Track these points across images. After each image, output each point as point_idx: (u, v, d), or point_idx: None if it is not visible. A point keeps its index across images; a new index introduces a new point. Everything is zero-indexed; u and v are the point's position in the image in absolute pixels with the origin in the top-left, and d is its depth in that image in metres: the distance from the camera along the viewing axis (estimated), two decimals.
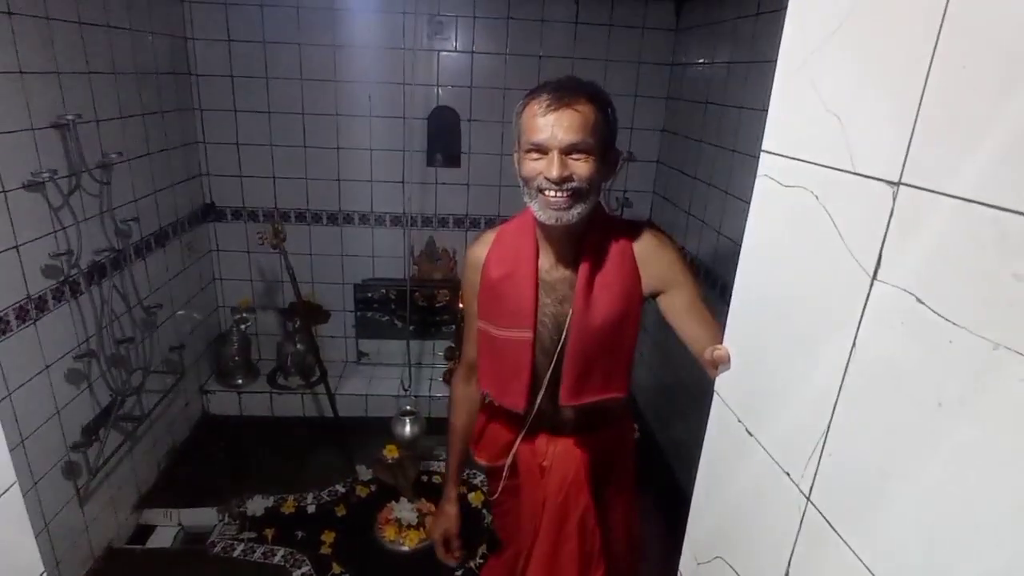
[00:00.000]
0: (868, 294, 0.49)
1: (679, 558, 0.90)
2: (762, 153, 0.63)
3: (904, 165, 0.44)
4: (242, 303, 3.07)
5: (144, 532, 2.36)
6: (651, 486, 1.55)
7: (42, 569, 0.85)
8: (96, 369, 2.04)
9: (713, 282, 2.32)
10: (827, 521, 0.56)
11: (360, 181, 3.01)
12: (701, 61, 2.56)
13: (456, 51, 2.84)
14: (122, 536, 2.29)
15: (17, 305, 1.70)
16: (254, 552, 2.27)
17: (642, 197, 3.10)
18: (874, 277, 0.48)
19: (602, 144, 1.09)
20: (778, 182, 0.61)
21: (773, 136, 0.62)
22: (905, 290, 0.45)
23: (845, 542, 0.54)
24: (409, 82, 2.82)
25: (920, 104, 0.43)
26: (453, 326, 3.22)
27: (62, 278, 1.87)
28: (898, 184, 0.44)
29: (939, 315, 0.42)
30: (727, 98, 2.28)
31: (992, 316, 0.38)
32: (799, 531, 0.61)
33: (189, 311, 2.81)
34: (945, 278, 0.42)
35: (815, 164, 0.55)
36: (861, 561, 0.52)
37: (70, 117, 1.83)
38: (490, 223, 3.11)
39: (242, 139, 2.89)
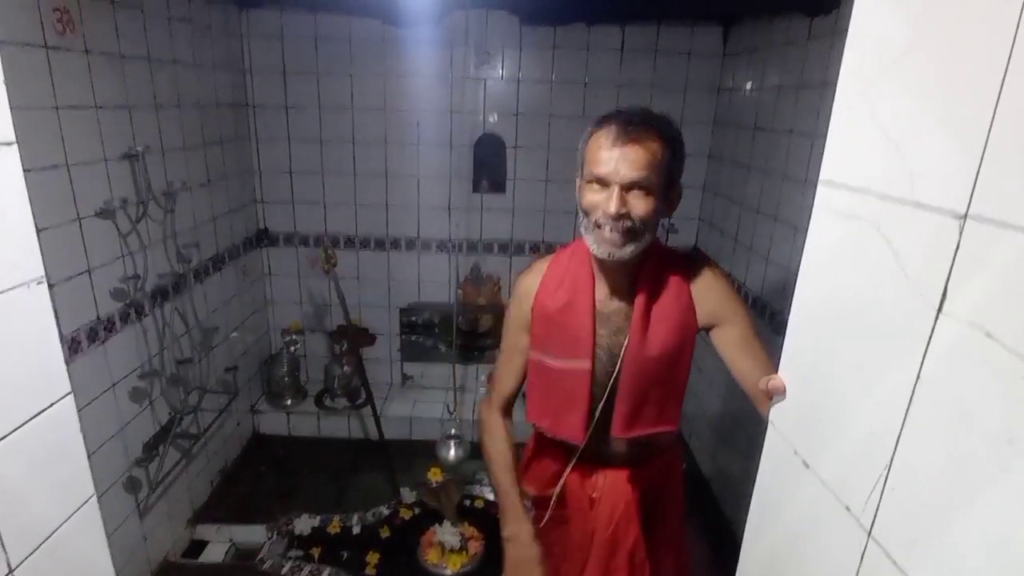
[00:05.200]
0: (933, 327, 0.48)
1: None
2: (820, 183, 0.63)
3: (972, 197, 0.43)
4: (292, 326, 3.17)
5: (197, 547, 2.43)
6: (696, 517, 1.51)
7: None
8: (157, 388, 2.14)
9: (761, 310, 2.28)
10: (889, 557, 0.55)
11: (407, 207, 3.08)
12: (749, 86, 2.55)
13: (503, 79, 2.90)
14: (177, 550, 2.36)
15: (88, 326, 1.79)
16: (302, 570, 2.31)
17: (688, 224, 3.08)
18: (939, 310, 0.47)
19: (665, 182, 1.09)
20: (836, 212, 0.61)
21: (831, 165, 0.62)
22: (973, 324, 0.44)
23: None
24: (456, 110, 2.90)
25: (988, 135, 0.43)
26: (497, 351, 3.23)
27: (128, 300, 1.97)
28: (965, 217, 0.44)
29: (1010, 350, 0.41)
30: (776, 123, 2.26)
31: None
32: (860, 566, 0.60)
33: (242, 333, 2.92)
34: (1016, 312, 0.41)
35: (876, 195, 0.54)
36: None
37: (139, 148, 1.94)
38: (535, 248, 3.14)
39: (295, 167, 3.01)
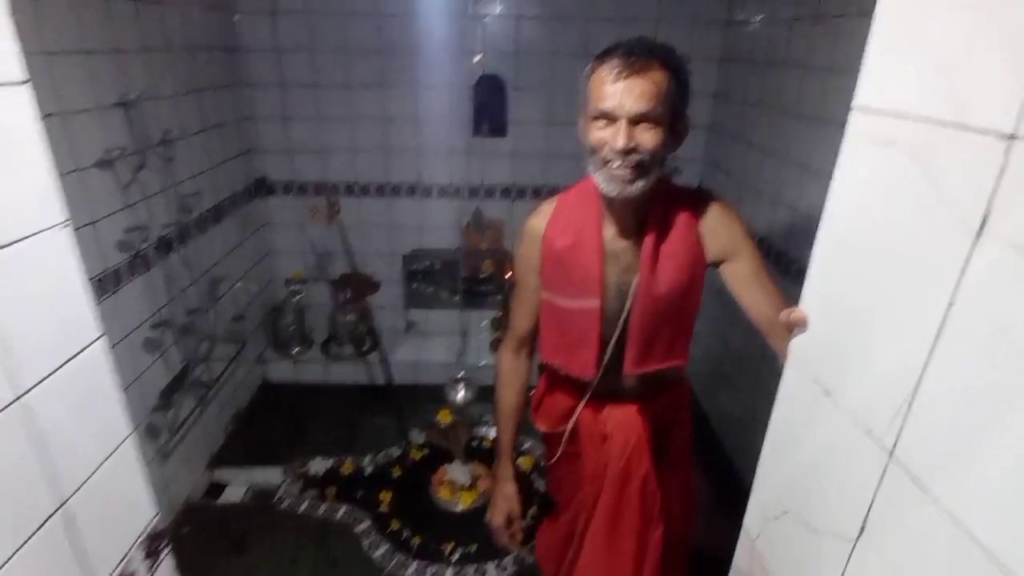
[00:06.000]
0: (971, 251, 0.49)
1: (726, 520, 0.91)
2: (853, 110, 0.62)
3: (1020, 116, 0.43)
4: (295, 275, 3.17)
5: (216, 489, 2.50)
6: (697, 453, 1.56)
7: (155, 511, 0.93)
8: (169, 338, 2.15)
9: (767, 251, 2.28)
10: (911, 476, 0.57)
11: (407, 153, 3.04)
12: (760, 18, 2.47)
13: (501, 15, 2.80)
14: (198, 491, 2.43)
15: (97, 279, 1.79)
16: (318, 509, 2.40)
17: (692, 165, 3.05)
18: (979, 235, 0.48)
19: (672, 114, 1.07)
20: (871, 139, 0.60)
21: (868, 91, 0.61)
22: (1015, 245, 0.45)
23: (930, 494, 0.55)
24: (454, 50, 2.81)
25: None
26: (499, 296, 3.25)
27: (134, 252, 1.97)
28: (1012, 137, 0.44)
29: None
30: (788, 58, 2.20)
31: None
32: (879, 486, 0.62)
33: (247, 283, 2.92)
34: None
35: (916, 119, 0.54)
36: (948, 512, 0.53)
37: (134, 95, 1.89)
38: (537, 193, 3.11)
39: (291, 113, 2.94)
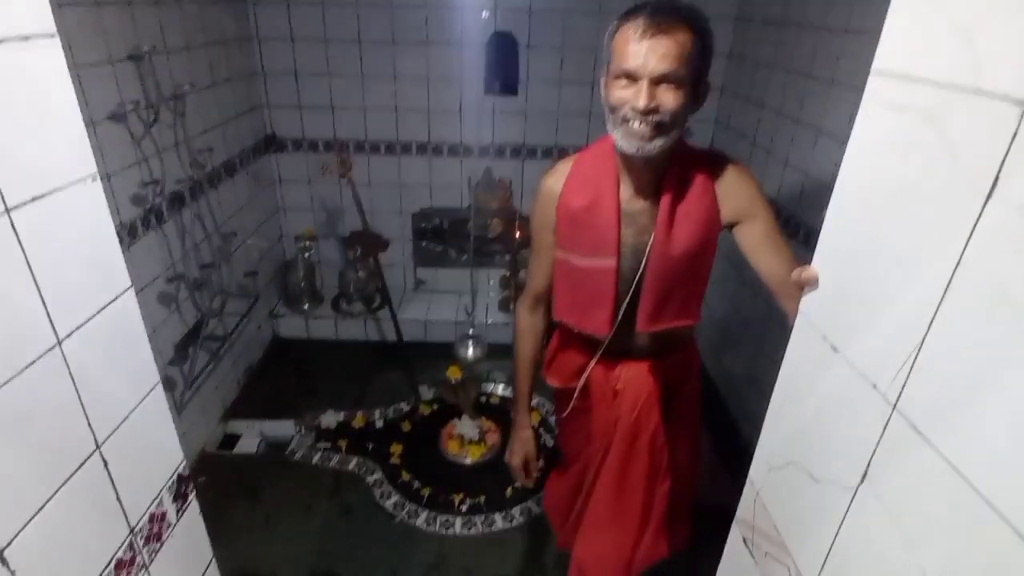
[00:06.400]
0: (980, 213, 0.50)
1: (731, 478, 0.95)
2: (872, 73, 0.63)
3: None
4: (305, 232, 3.19)
5: (231, 440, 2.58)
6: (704, 416, 1.61)
7: (182, 456, 0.98)
8: (183, 292, 2.19)
9: (777, 214, 2.28)
10: (913, 426, 0.60)
11: (417, 110, 3.02)
12: None
13: None
14: (213, 442, 2.51)
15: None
16: (330, 460, 2.47)
17: (703, 127, 3.02)
18: (988, 197, 0.49)
19: (695, 75, 1.07)
20: (888, 102, 0.61)
21: (887, 54, 0.61)
22: (1019, 209, 0.46)
23: (930, 443, 0.58)
24: (467, 6, 2.76)
25: None
26: (507, 256, 3.28)
27: (148, 206, 1.99)
28: None
29: None
30: (804, 19, 2.16)
31: None
32: (881, 436, 0.65)
33: (257, 240, 2.95)
34: None
35: (934, 83, 0.55)
36: (945, 459, 0.56)
37: (146, 48, 1.88)
38: (547, 153, 3.10)
39: (300, 69, 2.92)
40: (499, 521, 2.25)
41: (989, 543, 0.52)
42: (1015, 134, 0.47)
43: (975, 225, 0.51)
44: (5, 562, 0.65)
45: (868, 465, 0.68)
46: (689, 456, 1.50)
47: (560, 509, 1.61)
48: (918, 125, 0.58)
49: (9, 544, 0.65)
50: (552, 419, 2.64)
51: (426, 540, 2.16)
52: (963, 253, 0.53)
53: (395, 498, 2.32)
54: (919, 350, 0.60)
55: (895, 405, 0.63)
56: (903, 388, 0.62)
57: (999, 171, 0.48)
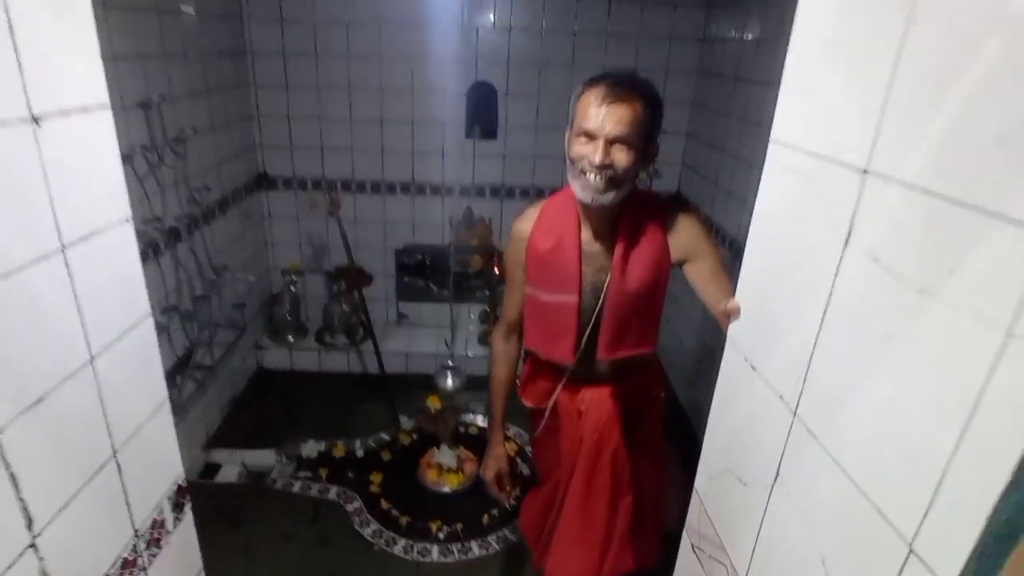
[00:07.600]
0: (841, 257, 0.65)
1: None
2: (771, 141, 0.79)
3: (870, 156, 0.59)
4: (292, 266, 3.30)
5: (212, 469, 2.63)
6: (671, 439, 1.73)
7: (181, 469, 1.08)
8: (175, 323, 2.29)
9: (739, 251, 2.46)
10: (808, 429, 0.74)
11: (402, 152, 3.18)
12: (732, 36, 2.65)
13: (495, 27, 2.96)
14: (194, 471, 2.56)
15: None
16: (310, 489, 2.53)
17: (671, 169, 3.22)
18: (846, 243, 0.64)
19: (645, 138, 1.24)
20: (782, 165, 0.77)
21: (780, 127, 0.78)
22: (866, 252, 0.61)
23: (820, 443, 0.71)
24: (449, 58, 2.97)
25: (883, 107, 0.58)
26: (487, 291, 3.41)
27: (148, 241, 2.10)
28: (865, 172, 0.60)
29: (888, 269, 0.58)
30: (755, 74, 2.38)
31: (920, 266, 0.54)
32: (787, 440, 0.79)
33: (245, 273, 3.05)
34: (894, 242, 0.58)
35: (809, 152, 0.70)
36: (830, 455, 0.69)
37: (155, 97, 2.03)
38: (524, 192, 3.27)
39: (293, 113, 3.08)
40: (476, 548, 2.32)
41: (862, 524, 0.64)
42: (860, 194, 0.62)
43: (839, 265, 0.66)
44: (37, 550, 0.74)
45: (779, 465, 0.81)
46: (655, 473, 1.62)
47: (534, 526, 1.72)
48: (803, 184, 0.73)
49: (40, 534, 0.74)
50: (528, 449, 2.74)
51: (404, 568, 2.22)
52: (832, 287, 0.68)
53: (374, 526, 2.38)
54: (809, 365, 0.74)
55: (795, 412, 0.77)
56: (799, 397, 0.76)
57: (852, 223, 0.63)
